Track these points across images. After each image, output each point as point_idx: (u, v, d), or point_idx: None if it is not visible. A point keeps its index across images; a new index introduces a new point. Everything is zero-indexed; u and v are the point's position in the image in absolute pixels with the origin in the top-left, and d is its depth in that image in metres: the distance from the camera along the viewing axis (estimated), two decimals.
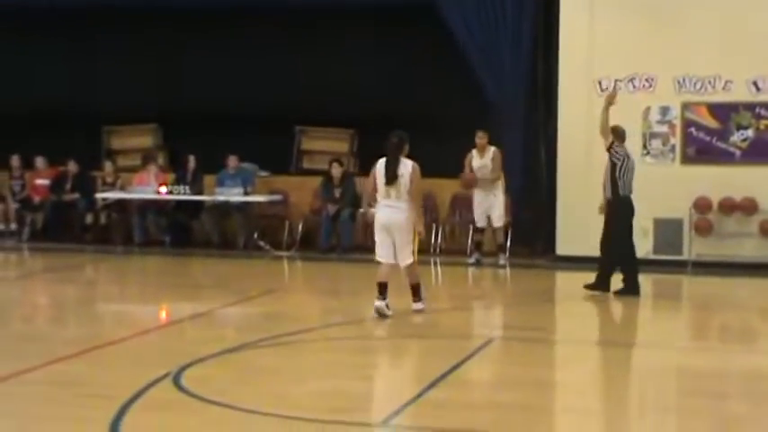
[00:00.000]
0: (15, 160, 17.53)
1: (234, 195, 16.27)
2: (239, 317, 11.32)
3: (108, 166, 17.30)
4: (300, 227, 16.45)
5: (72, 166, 17.21)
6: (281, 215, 16.69)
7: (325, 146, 17.20)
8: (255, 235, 16.40)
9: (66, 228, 17.14)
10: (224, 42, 17.31)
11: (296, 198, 16.78)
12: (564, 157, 15.04)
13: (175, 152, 17.60)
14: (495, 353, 9.44)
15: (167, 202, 16.61)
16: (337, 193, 16.07)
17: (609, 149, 11.97)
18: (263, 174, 17.14)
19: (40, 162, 17.53)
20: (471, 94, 15.64)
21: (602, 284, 12.03)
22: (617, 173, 11.92)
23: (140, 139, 17.82)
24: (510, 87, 15.51)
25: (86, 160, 17.34)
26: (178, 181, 16.62)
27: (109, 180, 17.18)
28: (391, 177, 10.37)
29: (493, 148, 14.76)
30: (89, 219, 17.10)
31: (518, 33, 15.49)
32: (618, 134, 12.03)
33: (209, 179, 16.67)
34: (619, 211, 11.98)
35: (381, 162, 10.53)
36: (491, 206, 14.83)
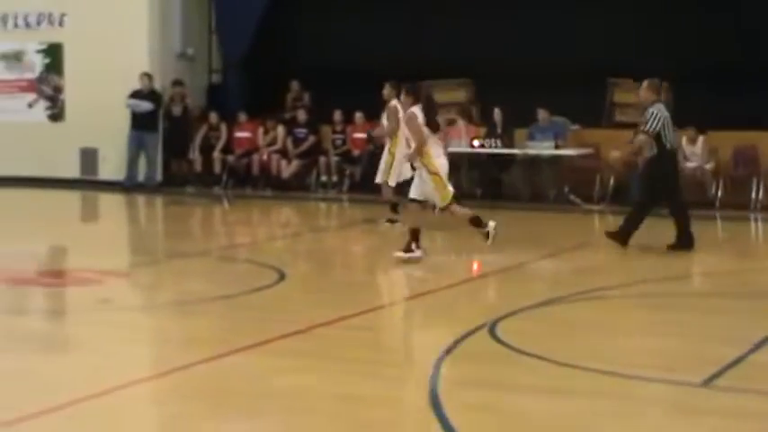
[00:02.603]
0: (337, 115, 18.30)
1: (545, 149, 16.24)
2: (551, 271, 11.33)
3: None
4: (612, 180, 16.19)
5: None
6: (593, 168, 16.49)
7: (638, 98, 16.74)
8: (566, 189, 16.31)
9: None
10: None
11: (607, 151, 16.48)
12: None
13: (486, 107, 17.75)
14: None
15: (479, 155, 16.82)
16: None
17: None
18: (574, 127, 16.99)
19: (358, 117, 18.21)
20: None
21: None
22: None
23: (454, 93, 18.08)
24: None
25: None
26: (489, 135, 16.79)
27: None
28: None
29: None
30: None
31: None
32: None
33: (519, 133, 16.71)
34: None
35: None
36: None
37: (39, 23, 18.95)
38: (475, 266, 11.72)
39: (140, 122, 17.99)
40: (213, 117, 18.76)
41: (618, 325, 8.41)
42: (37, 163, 18.70)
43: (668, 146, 11.78)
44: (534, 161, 16.60)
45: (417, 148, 11.00)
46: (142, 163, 18.46)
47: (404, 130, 11.78)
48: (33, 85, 19.17)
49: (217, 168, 18.62)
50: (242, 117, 18.66)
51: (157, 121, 18.40)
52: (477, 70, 17.51)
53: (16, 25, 19.05)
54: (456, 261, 11.92)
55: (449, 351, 7.32)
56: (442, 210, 11.45)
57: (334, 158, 18.27)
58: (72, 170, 18.87)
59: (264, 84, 19.01)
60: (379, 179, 13.70)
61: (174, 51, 19.08)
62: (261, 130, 18.67)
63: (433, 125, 11.14)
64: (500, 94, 16.95)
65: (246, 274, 10.90)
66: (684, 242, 11.86)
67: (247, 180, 18.52)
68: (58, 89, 19.08)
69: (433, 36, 17.98)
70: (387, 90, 13.69)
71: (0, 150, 18.90)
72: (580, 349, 7.54)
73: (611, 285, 9.99)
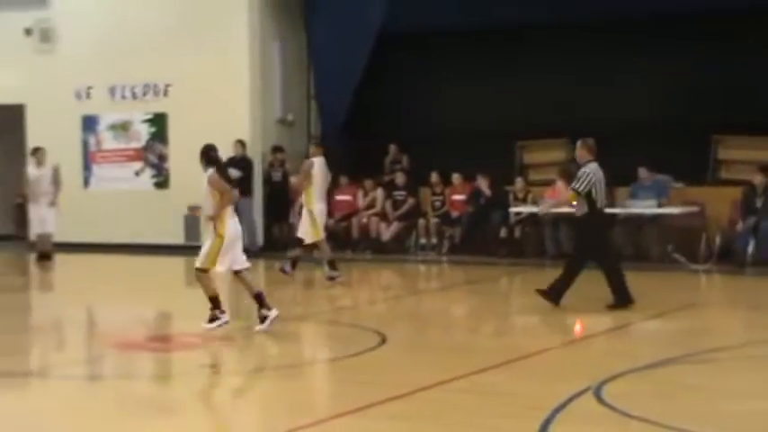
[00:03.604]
0: (435, 177, 18.35)
1: (647, 207, 16.02)
2: (657, 332, 11.11)
3: (518, 181, 17.65)
4: (718, 239, 15.87)
5: (481, 182, 17.73)
6: (698, 227, 16.18)
7: (746, 155, 16.48)
8: (670, 247, 16.03)
9: (483, 241, 17.66)
10: (629, 51, 17.17)
11: (713, 209, 16.21)
12: None
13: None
14: None
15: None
16: (759, 202, 15.34)
17: None
18: (678, 185, 16.73)
19: (456, 178, 18.25)
20: None
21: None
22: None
23: (552, 153, 18.01)
24: None
25: (499, 176, 17.80)
26: None
27: (520, 195, 17.53)
28: None
29: None
30: (503, 233, 17.52)
31: None
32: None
33: (621, 191, 16.52)
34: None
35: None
36: None
37: (144, 94, 19.49)
38: (578, 327, 11.55)
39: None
40: None
41: (728, 388, 8.18)
42: (143, 229, 19.12)
43: (599, 205, 11.77)
44: (637, 220, 16.37)
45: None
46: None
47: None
48: (140, 154, 19.68)
49: None
50: (342, 181, 18.84)
51: (251, 186, 18.65)
52: (575, 129, 17.41)
53: (123, 96, 19.62)
54: (559, 322, 11.75)
55: (554, 414, 7.20)
56: (197, 270, 10.83)
57: (434, 220, 18.28)
58: (176, 236, 19.23)
59: (363, 147, 19.20)
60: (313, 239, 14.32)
61: (274, 117, 19.43)
62: (360, 193, 18.82)
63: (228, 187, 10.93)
64: (599, 153, 16.77)
65: (348, 337, 10.92)
66: (623, 299, 11.76)
67: (347, 243, 18.64)
68: (163, 157, 19.55)
69: (530, 96, 18.00)
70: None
71: (109, 217, 19.39)
72: (689, 413, 7.34)
73: (720, 347, 9.75)
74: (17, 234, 21.23)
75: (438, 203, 18.43)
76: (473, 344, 10.76)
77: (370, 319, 12.27)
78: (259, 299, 10.87)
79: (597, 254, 11.95)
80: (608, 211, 16.21)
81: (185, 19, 19.12)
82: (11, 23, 20.00)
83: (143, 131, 19.63)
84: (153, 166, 19.65)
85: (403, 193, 18.52)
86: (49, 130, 19.35)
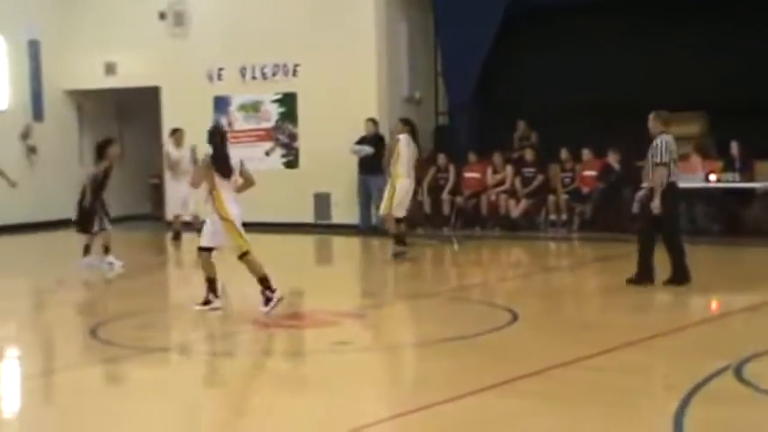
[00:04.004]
0: (564, 153, 18.12)
1: None
2: None
3: None
4: None
5: (612, 158, 17.43)
6: None
7: None
8: None
9: (614, 218, 17.37)
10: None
11: None
12: None
13: (722, 140, 17.15)
14: None
15: (716, 190, 16.24)
16: None
17: None
18: None
19: (586, 154, 17.99)
20: None
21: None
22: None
23: (687, 127, 17.56)
24: None
25: (632, 150, 17.45)
26: (726, 168, 16.20)
27: None
28: None
29: None
30: (635, 208, 17.14)
31: None
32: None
33: (760, 166, 16.03)
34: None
35: None
36: None
37: (274, 75, 19.74)
38: (714, 305, 11.28)
39: (366, 167, 18.37)
40: (441, 159, 18.96)
41: None
42: (274, 209, 19.39)
43: (671, 177, 11.55)
44: None
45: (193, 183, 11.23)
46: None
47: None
48: (270, 134, 19.96)
49: (445, 210, 18.77)
50: (471, 158, 18.77)
51: (381, 165, 18.71)
52: (712, 102, 16.97)
53: (254, 77, 19.92)
54: (694, 299, 11.49)
55: (693, 393, 7.05)
56: (239, 258, 10.85)
57: (563, 197, 18.07)
58: (307, 215, 19.47)
59: (491, 124, 19.07)
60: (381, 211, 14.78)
61: (401, 96, 19.46)
62: (489, 170, 18.71)
63: (224, 171, 10.77)
64: (737, 127, 16.35)
65: (479, 314, 10.89)
66: (680, 277, 11.52)
67: (476, 220, 18.58)
68: (293, 137, 19.78)
69: (664, 68, 17.59)
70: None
71: (239, 197, 19.66)
72: None
73: None
74: (152, 214, 21.82)
75: (567, 180, 18.19)
76: (607, 321, 10.58)
77: (501, 296, 12.22)
78: (212, 284, 10.92)
79: (666, 227, 11.73)
80: (747, 186, 15.90)
81: (314, 0, 19.28)
82: (146, 8, 20.50)
83: (273, 111, 19.90)
84: (283, 145, 19.90)
85: (532, 169, 18.34)
86: (183, 112, 19.77)
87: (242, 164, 10.99)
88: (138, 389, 8.10)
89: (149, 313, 11.35)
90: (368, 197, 18.78)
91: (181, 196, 18.04)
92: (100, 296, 13.40)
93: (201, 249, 10.98)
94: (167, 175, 18.66)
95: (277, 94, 19.79)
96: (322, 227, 19.26)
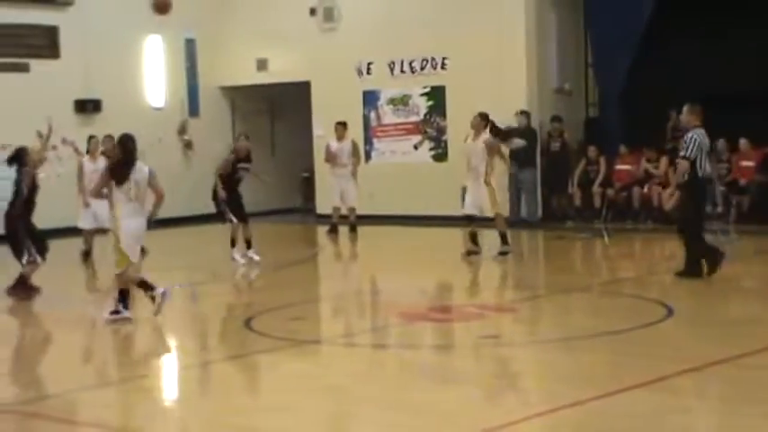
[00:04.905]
0: (720, 144, 17.61)
1: None
2: None
3: None
4: None
5: None
6: None
7: None
8: None
9: None
10: None
11: None
12: None
13: None
14: None
15: None
16: None
17: None
18: None
19: (743, 144, 17.44)
20: None
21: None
22: None
23: None
24: None
25: None
26: None
27: None
28: None
29: None
30: None
31: None
32: None
33: None
34: None
35: None
36: None
37: (422, 68, 19.79)
38: None
39: (516, 159, 18.23)
40: (592, 151, 18.66)
41: None
42: (423, 202, 19.44)
43: (701, 174, 11.41)
44: None
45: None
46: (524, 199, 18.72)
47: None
48: (418, 128, 20.01)
49: (596, 202, 18.48)
50: (622, 150, 18.43)
51: (533, 157, 18.57)
52: None
53: (402, 71, 20.01)
54: None
55: None
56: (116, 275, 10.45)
57: (720, 188, 17.55)
58: (455, 208, 19.43)
59: (642, 115, 18.66)
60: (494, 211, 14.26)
61: (551, 87, 19.24)
62: (642, 161, 18.32)
63: (119, 178, 10.28)
64: None
65: (632, 309, 10.68)
66: (694, 270, 11.67)
67: (628, 213, 18.22)
68: (442, 130, 19.79)
69: None
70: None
71: (389, 190, 19.85)
72: None
73: None
74: (303, 207, 22.17)
75: (724, 171, 17.67)
76: (765, 316, 10.24)
77: (655, 290, 11.96)
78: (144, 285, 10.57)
79: (684, 222, 11.83)
80: None
81: None
82: (297, 5, 20.83)
83: (421, 105, 19.95)
84: (431, 138, 19.93)
85: None
86: (333, 106, 20.02)
87: (151, 175, 10.47)
88: (292, 380, 8.23)
89: (301, 305, 11.53)
90: (518, 190, 18.65)
91: (338, 189, 18.28)
92: (254, 288, 13.69)
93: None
94: (326, 168, 18.84)
95: (425, 87, 19.82)
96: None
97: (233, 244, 14.67)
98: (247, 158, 14.85)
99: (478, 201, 14.35)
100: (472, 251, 14.43)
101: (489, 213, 14.42)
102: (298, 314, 10.87)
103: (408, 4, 19.70)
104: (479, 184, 14.33)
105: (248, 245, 14.65)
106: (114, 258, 10.49)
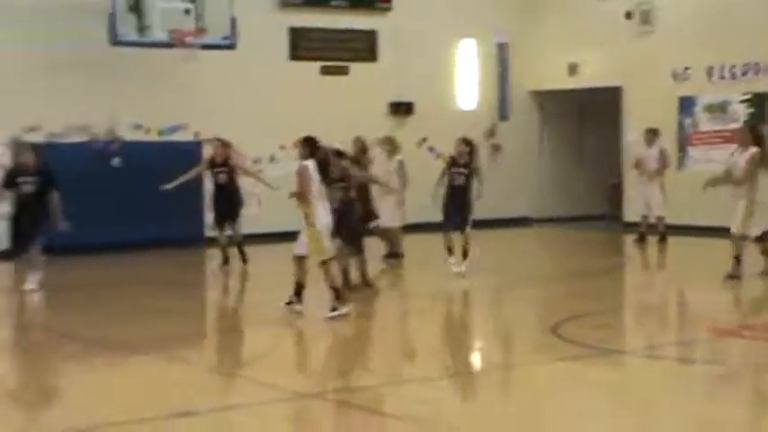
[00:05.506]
0: None
1: None
2: None
3: None
4: None
5: None
6: None
7: None
8: None
9: None
10: None
11: None
12: None
13: None
14: None
15: None
16: None
17: None
18: None
19: None
20: None
21: None
22: None
23: None
24: None
25: None
26: None
27: None
28: None
29: None
30: None
31: None
32: None
33: None
34: None
35: None
36: None
37: (744, 74, 18.93)
38: None
39: None
40: None
41: None
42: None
43: None
44: None
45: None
46: None
47: None
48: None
49: None
50: None
51: None
52: None
53: (722, 77, 19.22)
54: None
55: None
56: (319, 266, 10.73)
57: None
58: None
59: None
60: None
61: None
62: None
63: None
64: None
65: None
66: None
67: None
68: None
69: None
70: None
71: (701, 199, 19.06)
72: None
73: None
74: (609, 214, 21.76)
75: None
76: None
77: None
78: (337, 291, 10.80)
79: None
80: None
81: None
82: (612, 8, 20.49)
83: (740, 112, 19.08)
84: None
85: None
86: (645, 112, 19.54)
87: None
88: (594, 389, 8.10)
89: (607, 314, 11.35)
90: None
91: (643, 197, 17.85)
92: (560, 294, 13.58)
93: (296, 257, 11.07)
94: (634, 174, 18.44)
95: (746, 94, 18.96)
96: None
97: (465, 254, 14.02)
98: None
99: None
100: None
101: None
102: (603, 323, 10.70)
103: (734, 8, 18.85)
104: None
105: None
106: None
